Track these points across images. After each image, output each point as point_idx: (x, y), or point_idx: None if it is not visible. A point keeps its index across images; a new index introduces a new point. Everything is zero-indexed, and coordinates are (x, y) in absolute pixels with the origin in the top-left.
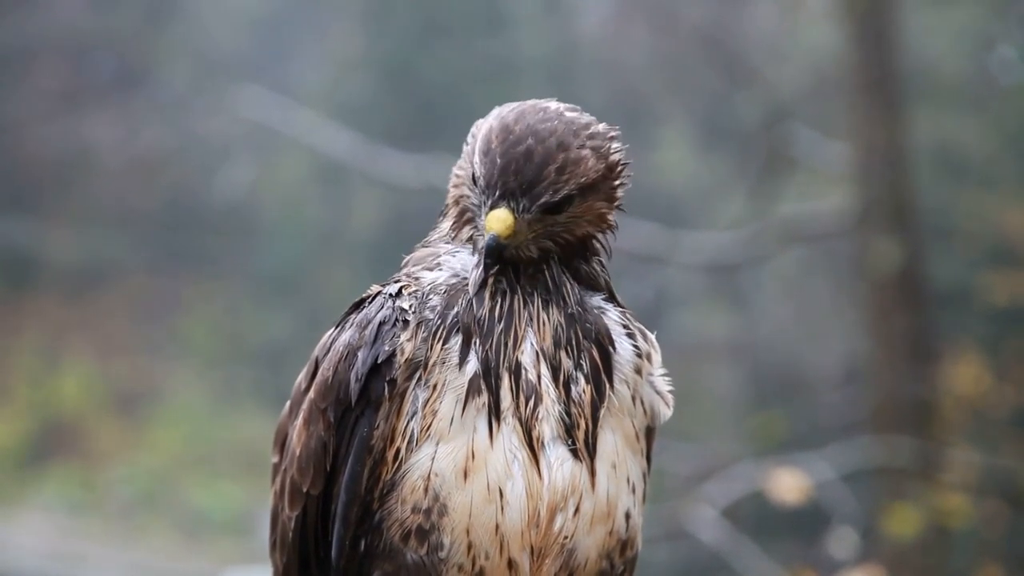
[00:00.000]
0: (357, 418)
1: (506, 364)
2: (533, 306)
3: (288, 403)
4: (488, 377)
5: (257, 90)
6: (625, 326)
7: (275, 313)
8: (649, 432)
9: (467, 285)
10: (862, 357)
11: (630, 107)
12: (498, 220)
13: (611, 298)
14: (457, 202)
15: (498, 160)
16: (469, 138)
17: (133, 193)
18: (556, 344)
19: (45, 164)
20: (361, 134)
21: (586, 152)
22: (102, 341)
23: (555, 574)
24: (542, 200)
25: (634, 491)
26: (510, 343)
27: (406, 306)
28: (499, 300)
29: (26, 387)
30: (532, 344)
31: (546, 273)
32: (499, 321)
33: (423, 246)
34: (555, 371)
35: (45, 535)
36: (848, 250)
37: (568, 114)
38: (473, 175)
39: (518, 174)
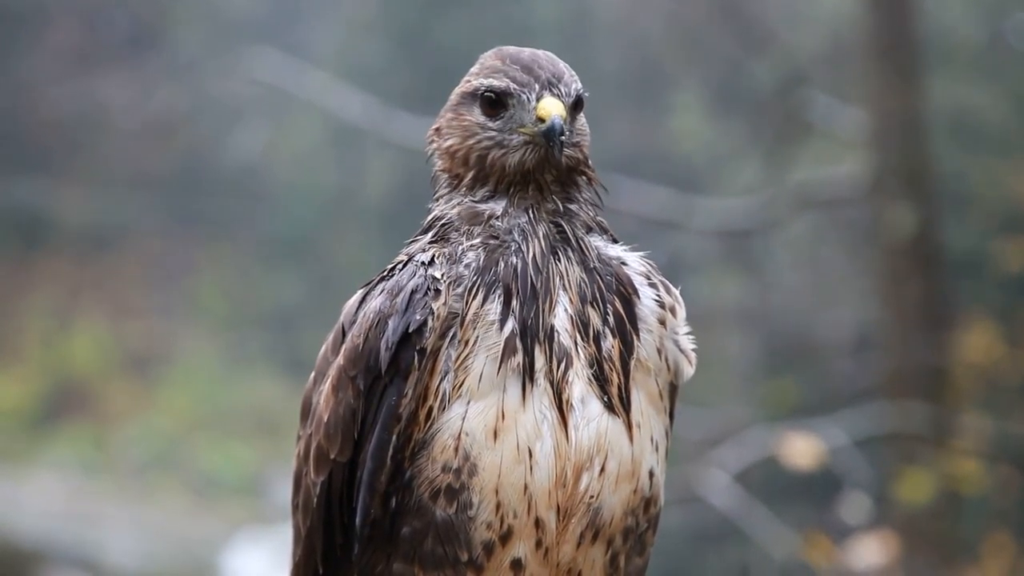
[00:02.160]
0: (386, 386)
1: (542, 327)
2: (561, 263)
3: (313, 373)
4: (525, 338)
5: (270, 52)
6: (647, 276)
7: (287, 276)
8: (672, 390)
9: (510, 253)
10: (875, 324)
11: (645, 72)
12: (553, 104)
13: (615, 240)
14: (464, 160)
15: (519, 64)
16: (452, 98)
17: (146, 155)
18: (583, 301)
19: (58, 125)
20: (374, 97)
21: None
22: (114, 302)
23: (581, 532)
24: (572, 87)
25: (657, 449)
26: (546, 306)
27: (438, 275)
28: (535, 251)
29: (39, 348)
30: (565, 308)
31: (565, 227)
32: (536, 280)
33: (428, 230)
34: (584, 328)
35: (57, 495)
36: (862, 216)
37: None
38: (493, 94)
39: (544, 68)
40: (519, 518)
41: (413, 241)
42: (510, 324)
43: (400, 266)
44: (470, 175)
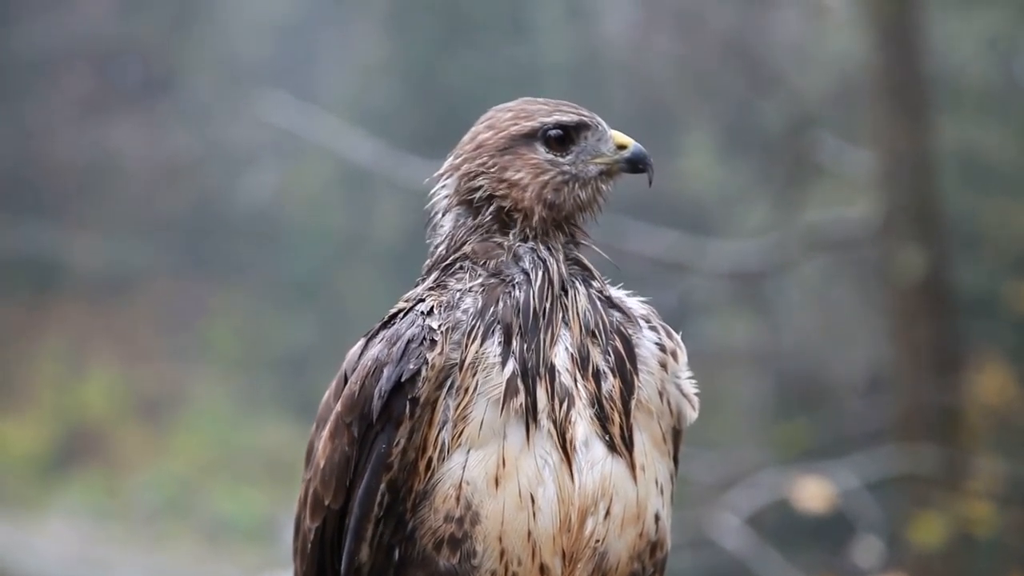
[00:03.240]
0: (377, 434)
1: (543, 365)
2: (568, 294)
3: (316, 419)
4: (526, 378)
5: (281, 96)
6: (647, 319)
7: (298, 319)
8: (676, 434)
9: (513, 286)
10: (887, 365)
11: (654, 113)
12: (622, 135)
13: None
14: (536, 199)
15: (565, 105)
16: (465, 149)
17: (158, 199)
18: (585, 334)
19: (71, 170)
20: (384, 140)
21: None
22: (126, 347)
23: None
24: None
25: (662, 492)
26: (547, 338)
27: (435, 325)
28: (542, 281)
29: (51, 393)
30: (566, 346)
31: (573, 255)
32: (539, 317)
33: (436, 268)
34: (584, 366)
35: (69, 541)
36: (873, 257)
37: None
38: (561, 130)
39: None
40: (523, 565)
41: (418, 283)
42: (511, 364)
43: (401, 315)
44: (536, 215)
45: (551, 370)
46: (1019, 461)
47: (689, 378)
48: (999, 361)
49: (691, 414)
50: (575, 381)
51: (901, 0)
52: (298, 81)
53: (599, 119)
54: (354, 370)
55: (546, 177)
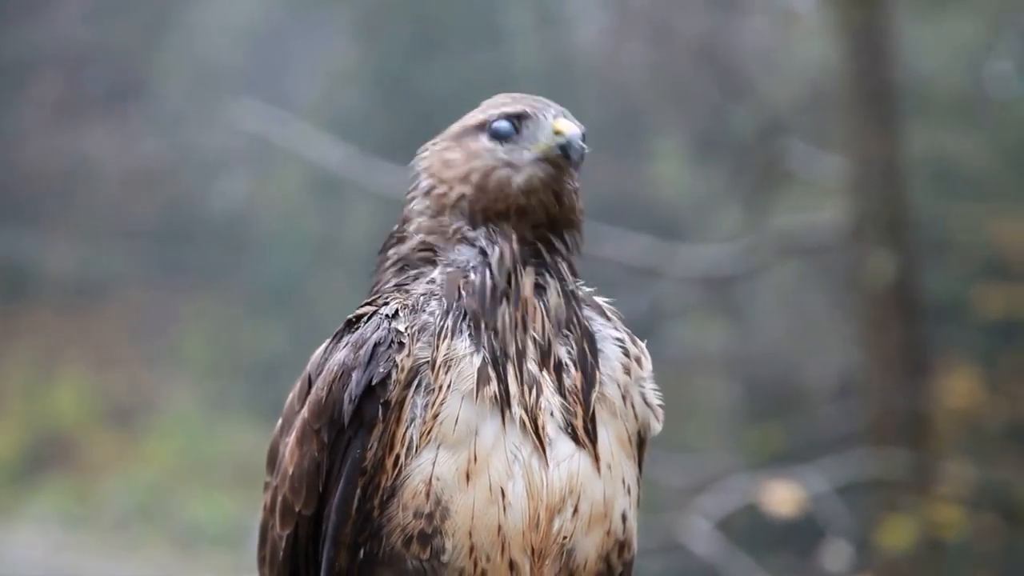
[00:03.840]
0: (350, 439)
1: (513, 351)
2: (531, 286)
3: (280, 420)
4: (496, 365)
5: (253, 103)
6: (608, 317)
7: (271, 325)
8: (641, 442)
9: (469, 270)
10: (857, 370)
11: (626, 119)
12: (571, 123)
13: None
14: (460, 180)
15: (530, 97)
16: (447, 134)
17: (130, 205)
18: (547, 327)
19: (42, 176)
20: (357, 146)
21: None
22: (98, 353)
23: (555, 575)
24: (582, 128)
25: (629, 492)
26: (514, 329)
27: (402, 328)
28: (509, 274)
29: (21, 399)
30: (532, 332)
31: (542, 250)
32: (505, 303)
33: (393, 264)
34: (544, 357)
35: (39, 548)
36: (843, 263)
37: None
38: (506, 120)
39: (550, 103)
40: (492, 561)
41: (375, 284)
42: (481, 354)
43: (365, 319)
44: (462, 201)
45: (519, 354)
46: (988, 466)
47: (655, 390)
48: (968, 366)
49: (656, 425)
50: (539, 368)
51: (871, 8)
52: (270, 87)
53: (552, 110)
54: (319, 374)
55: (477, 163)
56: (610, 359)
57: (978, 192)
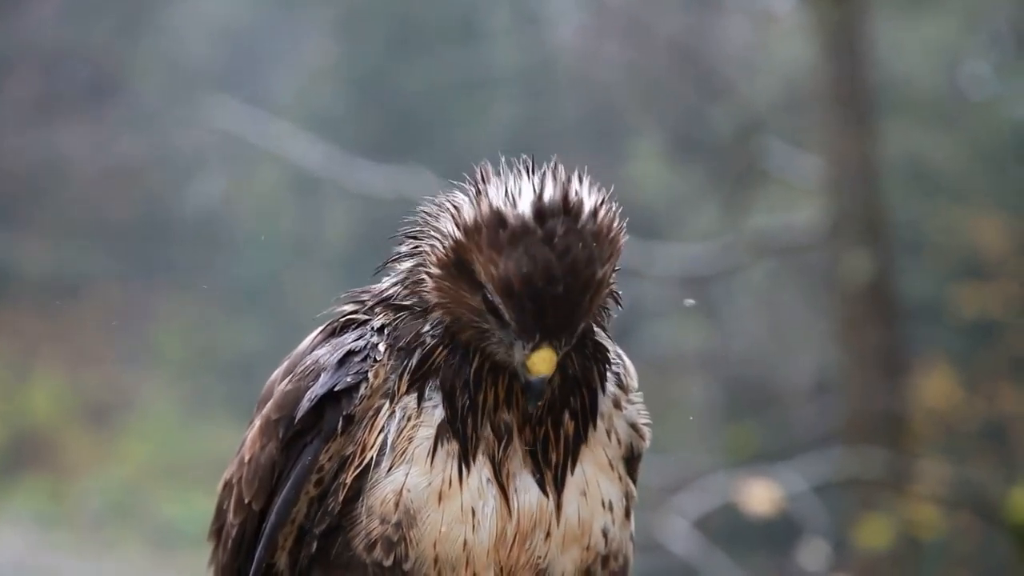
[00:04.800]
0: (305, 445)
1: (483, 416)
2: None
3: (260, 398)
4: (455, 423)
5: (230, 101)
6: (616, 373)
7: (247, 324)
8: (628, 462)
9: (456, 346)
10: (834, 369)
11: (603, 119)
12: (544, 361)
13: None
14: (446, 314)
15: (529, 305)
16: (441, 222)
17: (106, 204)
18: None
19: (17, 174)
20: (334, 145)
21: (608, 266)
22: (73, 352)
23: None
24: (579, 331)
25: (611, 509)
26: (484, 412)
27: (382, 348)
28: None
29: None
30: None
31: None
32: (487, 392)
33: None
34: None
35: (14, 548)
36: (820, 263)
37: (588, 225)
38: (494, 309)
39: (556, 316)
40: (456, 573)
41: (381, 286)
42: (440, 411)
43: (354, 325)
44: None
45: (494, 416)
46: (964, 464)
47: (639, 408)
48: (944, 365)
49: (643, 445)
50: (514, 424)
51: (848, 9)
52: (247, 85)
53: (538, 334)
54: (295, 366)
55: (463, 317)
56: (603, 403)
57: (954, 192)
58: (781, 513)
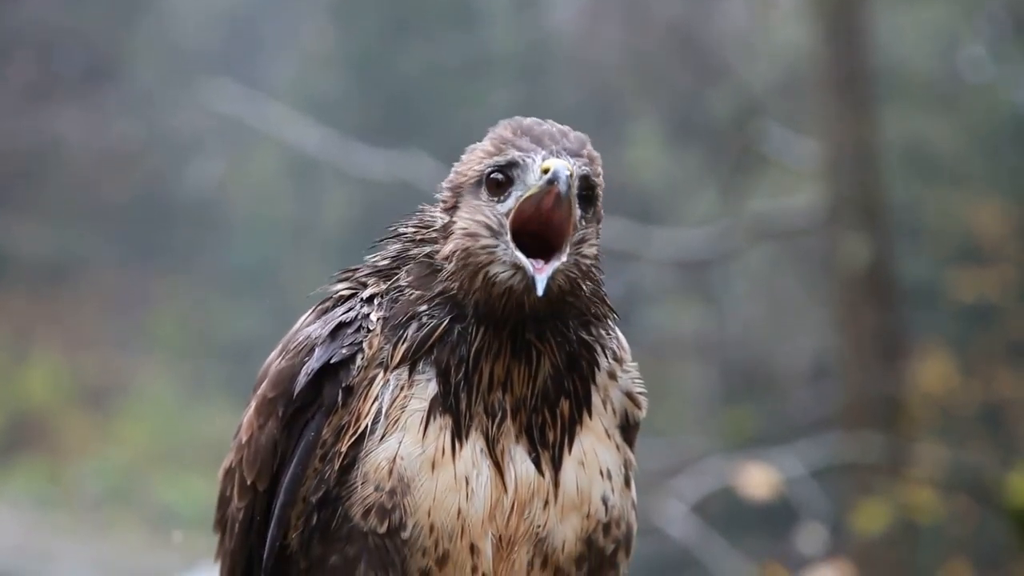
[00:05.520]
0: (307, 421)
1: (477, 394)
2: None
3: (256, 379)
4: (447, 399)
5: (228, 84)
6: (610, 347)
7: (244, 307)
8: (624, 430)
9: (453, 325)
10: (832, 353)
11: (602, 103)
12: (559, 163)
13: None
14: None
15: (532, 131)
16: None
17: (103, 187)
18: (538, 392)
19: (14, 158)
20: (332, 129)
21: (597, 155)
22: (70, 335)
23: (529, 560)
24: (584, 168)
25: (610, 477)
26: (479, 388)
27: (374, 317)
28: (490, 361)
29: None
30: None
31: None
32: (480, 370)
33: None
34: (517, 408)
35: (12, 530)
36: (818, 247)
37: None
38: (499, 168)
39: (558, 142)
40: (453, 542)
41: (370, 265)
42: (434, 385)
43: (343, 299)
44: (451, 276)
45: (488, 396)
46: (961, 448)
47: (634, 378)
48: (941, 350)
49: (638, 413)
50: (508, 403)
51: None
52: (245, 69)
53: (542, 152)
54: (288, 345)
55: (485, 257)
56: (601, 371)
57: (952, 176)
58: (778, 497)
